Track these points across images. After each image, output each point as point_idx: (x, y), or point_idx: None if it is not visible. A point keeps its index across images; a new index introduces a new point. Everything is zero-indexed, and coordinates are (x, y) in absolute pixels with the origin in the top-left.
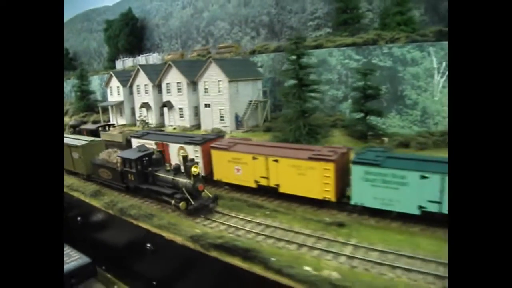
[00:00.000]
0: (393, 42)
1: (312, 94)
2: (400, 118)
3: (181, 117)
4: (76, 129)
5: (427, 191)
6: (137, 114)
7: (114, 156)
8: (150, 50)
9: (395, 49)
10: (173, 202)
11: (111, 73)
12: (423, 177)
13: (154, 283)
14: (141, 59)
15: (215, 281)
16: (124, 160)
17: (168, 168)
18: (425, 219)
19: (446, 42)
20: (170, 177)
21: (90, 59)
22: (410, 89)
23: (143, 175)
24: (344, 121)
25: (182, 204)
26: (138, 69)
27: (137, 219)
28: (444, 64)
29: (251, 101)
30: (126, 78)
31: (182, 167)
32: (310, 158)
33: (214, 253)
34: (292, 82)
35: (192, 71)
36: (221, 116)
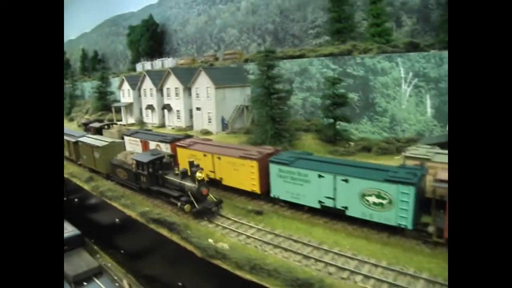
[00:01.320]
0: (366, 53)
1: (278, 101)
2: (371, 124)
3: (178, 118)
4: (86, 127)
5: (324, 188)
6: (144, 115)
7: (130, 157)
8: (169, 54)
9: (367, 59)
10: (179, 204)
11: (123, 77)
12: (320, 176)
13: (122, 251)
14: (158, 63)
15: (151, 245)
16: (138, 163)
17: (177, 172)
18: (327, 213)
19: (414, 53)
20: (177, 180)
21: (117, 61)
22: (380, 97)
23: (154, 177)
24: (317, 126)
25: (187, 207)
26: (144, 74)
27: (111, 199)
28: (410, 74)
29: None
30: (135, 82)
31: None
32: (241, 157)
33: (152, 225)
34: (262, 90)
35: (188, 78)
36: (209, 119)
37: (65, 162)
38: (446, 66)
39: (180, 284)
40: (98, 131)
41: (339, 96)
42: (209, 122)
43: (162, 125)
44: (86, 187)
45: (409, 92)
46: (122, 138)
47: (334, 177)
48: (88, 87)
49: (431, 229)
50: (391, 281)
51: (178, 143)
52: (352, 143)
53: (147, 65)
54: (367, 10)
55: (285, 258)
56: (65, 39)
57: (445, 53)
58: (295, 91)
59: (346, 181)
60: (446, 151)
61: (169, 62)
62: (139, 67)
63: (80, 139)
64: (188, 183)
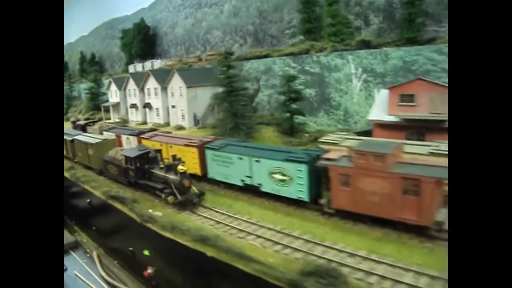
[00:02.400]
0: (322, 51)
1: (237, 98)
2: (328, 118)
3: (157, 115)
4: (74, 124)
5: (243, 168)
6: (129, 113)
7: (120, 153)
8: (160, 55)
9: (322, 57)
10: (163, 196)
11: (110, 79)
12: (240, 158)
13: (93, 227)
14: (148, 65)
15: (112, 218)
16: (126, 158)
17: (162, 165)
18: (251, 190)
19: (363, 51)
20: (162, 174)
21: (113, 63)
22: (334, 92)
23: (141, 171)
24: (278, 120)
25: (170, 198)
26: (129, 77)
27: (84, 183)
28: (360, 69)
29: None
30: (121, 83)
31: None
32: (185, 145)
33: (110, 201)
34: (222, 88)
35: (165, 79)
36: (182, 115)
37: (77, 166)
38: (391, 62)
39: (130, 249)
40: (83, 128)
41: (294, 92)
42: (183, 118)
43: (144, 122)
44: (67, 174)
45: (359, 87)
46: (101, 133)
47: (249, 159)
48: (84, 88)
49: (322, 201)
50: (276, 240)
51: (142, 136)
52: (307, 135)
53: (139, 66)
54: (324, 12)
55: (201, 223)
56: (65, 42)
57: (390, 50)
58: (262, 88)
59: (258, 161)
60: (357, 137)
61: (157, 64)
62: (131, 68)
63: (76, 137)
64: (171, 176)
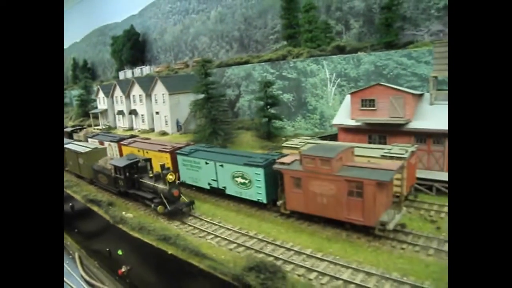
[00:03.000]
0: (298, 57)
1: (214, 105)
2: (305, 122)
3: (143, 122)
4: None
5: (209, 172)
6: (116, 120)
7: (109, 163)
8: (150, 61)
9: (299, 63)
10: (152, 206)
11: (98, 86)
12: (206, 163)
13: (76, 230)
14: (137, 71)
15: (90, 220)
16: (115, 167)
17: (151, 175)
18: (215, 192)
19: (336, 56)
20: (151, 183)
21: (105, 69)
22: (310, 97)
23: (130, 181)
24: (256, 124)
25: (159, 208)
26: (115, 84)
27: (66, 188)
28: (334, 74)
29: None
30: (109, 90)
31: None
32: (159, 150)
33: (89, 204)
34: (200, 95)
35: (150, 86)
36: (165, 121)
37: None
38: (363, 67)
39: (107, 249)
40: (70, 135)
41: (271, 97)
42: (166, 124)
43: (131, 128)
44: None
45: (334, 91)
46: (86, 139)
47: (214, 164)
48: (74, 95)
49: (279, 203)
50: (232, 239)
51: (122, 142)
52: (284, 139)
53: (129, 73)
54: (301, 18)
55: (168, 224)
56: None
57: (362, 55)
58: (242, 94)
59: (222, 166)
60: (318, 141)
61: (146, 70)
62: (121, 75)
63: (67, 146)
64: (160, 186)
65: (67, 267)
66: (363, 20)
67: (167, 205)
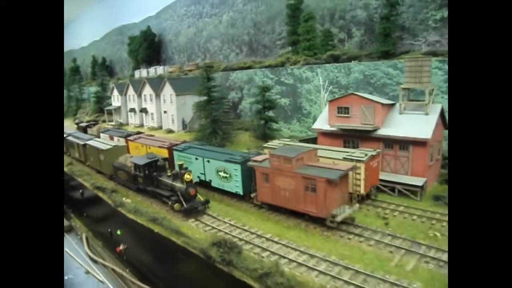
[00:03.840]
0: (296, 64)
1: (215, 106)
2: (300, 125)
3: (152, 119)
4: (78, 126)
5: (199, 167)
6: (128, 117)
7: (129, 160)
8: (165, 61)
9: (295, 70)
10: (170, 203)
11: (113, 85)
12: (196, 159)
13: (85, 214)
14: (151, 71)
15: (96, 205)
16: (135, 165)
17: (169, 173)
18: (203, 184)
19: (329, 64)
20: (169, 182)
21: (122, 67)
22: (305, 102)
23: (149, 178)
24: (255, 126)
25: (176, 206)
26: (128, 83)
27: (78, 176)
28: (327, 82)
29: None
30: (123, 89)
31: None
32: (159, 146)
33: (95, 191)
34: (203, 97)
35: (159, 86)
36: (172, 120)
37: (75, 162)
38: (353, 75)
39: (109, 230)
40: (84, 130)
41: (268, 101)
42: (172, 122)
43: (141, 125)
44: (66, 169)
45: (326, 97)
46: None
47: (203, 159)
48: (92, 91)
49: (253, 195)
50: (208, 223)
51: (128, 138)
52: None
53: (144, 72)
54: (300, 27)
55: (159, 209)
56: (78, 46)
57: (352, 65)
58: (245, 96)
59: (208, 161)
60: (296, 143)
61: (160, 70)
62: (137, 73)
63: (88, 142)
64: (178, 184)
65: (75, 245)
66: (365, 29)
67: (184, 203)
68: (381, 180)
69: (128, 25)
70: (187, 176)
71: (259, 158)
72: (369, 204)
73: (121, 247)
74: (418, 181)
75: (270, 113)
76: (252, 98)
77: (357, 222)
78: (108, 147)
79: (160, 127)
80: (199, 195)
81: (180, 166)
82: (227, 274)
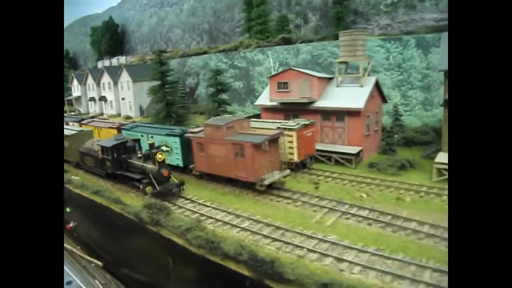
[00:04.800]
0: (248, 48)
1: (169, 91)
2: (253, 107)
3: (111, 107)
4: None
5: (144, 144)
6: (88, 106)
7: (96, 144)
8: (128, 52)
9: (248, 53)
10: (141, 186)
11: (73, 75)
12: (141, 136)
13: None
14: (114, 61)
15: None
16: (102, 148)
17: (140, 155)
18: None
19: (279, 47)
20: (140, 163)
21: (86, 59)
22: (257, 84)
23: (118, 162)
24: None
25: (148, 189)
26: (87, 72)
27: None
28: (277, 63)
29: None
30: (82, 79)
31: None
32: (109, 127)
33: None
34: (157, 82)
35: (117, 74)
36: (130, 107)
37: None
38: (301, 56)
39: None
40: None
41: (220, 84)
42: (130, 109)
43: (101, 114)
44: None
45: None
46: None
47: (147, 135)
48: None
49: (191, 166)
50: None
51: (82, 122)
52: None
53: (106, 63)
54: (252, 12)
55: (103, 182)
56: None
57: (301, 46)
58: (201, 82)
59: (152, 137)
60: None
61: (122, 60)
62: (100, 64)
63: None
64: (149, 166)
65: None
66: (320, 14)
67: (156, 186)
68: (319, 151)
69: (91, 15)
70: (159, 156)
71: (195, 130)
72: (305, 172)
73: (71, 224)
74: (353, 149)
75: (224, 96)
76: (207, 83)
77: (289, 187)
78: (73, 132)
79: (119, 114)
80: (173, 177)
81: (151, 145)
82: (156, 233)
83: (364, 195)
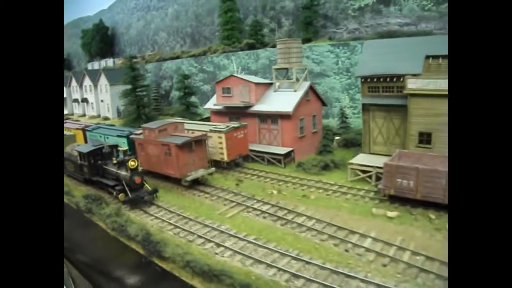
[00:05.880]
0: (215, 53)
1: (140, 94)
2: None
3: (92, 109)
4: None
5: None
6: (73, 107)
7: (75, 149)
8: (118, 54)
9: (215, 58)
10: (114, 193)
11: None
12: (100, 137)
13: None
14: (103, 64)
15: None
16: (80, 154)
17: (115, 161)
18: None
19: (242, 52)
20: (114, 170)
21: (79, 61)
22: None
23: (94, 167)
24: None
25: (121, 196)
26: (71, 75)
27: None
28: (240, 68)
29: None
30: (67, 81)
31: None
32: (76, 128)
33: None
34: (128, 86)
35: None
36: (108, 108)
37: None
38: (261, 61)
39: None
40: None
41: (187, 88)
42: (108, 110)
43: (84, 115)
44: None
45: None
46: None
47: (104, 136)
48: None
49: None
50: None
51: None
52: None
53: (96, 65)
54: (221, 19)
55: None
56: None
57: (260, 51)
58: (174, 85)
59: (108, 138)
60: (190, 122)
61: (110, 62)
62: (90, 66)
63: None
64: (122, 172)
65: None
66: (292, 18)
67: (129, 193)
68: (254, 151)
69: (83, 18)
70: (131, 163)
71: (138, 131)
72: (236, 171)
73: None
74: (282, 150)
75: (193, 99)
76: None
77: (215, 184)
78: None
79: (99, 115)
80: (146, 184)
81: (125, 152)
82: (88, 220)
83: (275, 192)
